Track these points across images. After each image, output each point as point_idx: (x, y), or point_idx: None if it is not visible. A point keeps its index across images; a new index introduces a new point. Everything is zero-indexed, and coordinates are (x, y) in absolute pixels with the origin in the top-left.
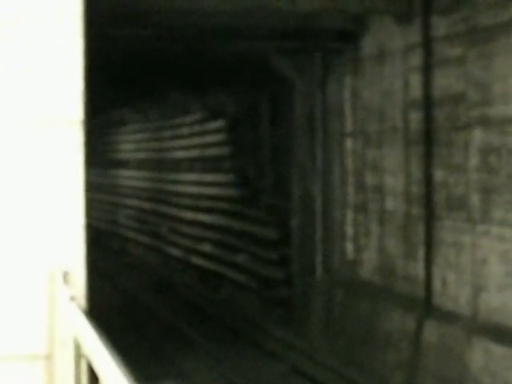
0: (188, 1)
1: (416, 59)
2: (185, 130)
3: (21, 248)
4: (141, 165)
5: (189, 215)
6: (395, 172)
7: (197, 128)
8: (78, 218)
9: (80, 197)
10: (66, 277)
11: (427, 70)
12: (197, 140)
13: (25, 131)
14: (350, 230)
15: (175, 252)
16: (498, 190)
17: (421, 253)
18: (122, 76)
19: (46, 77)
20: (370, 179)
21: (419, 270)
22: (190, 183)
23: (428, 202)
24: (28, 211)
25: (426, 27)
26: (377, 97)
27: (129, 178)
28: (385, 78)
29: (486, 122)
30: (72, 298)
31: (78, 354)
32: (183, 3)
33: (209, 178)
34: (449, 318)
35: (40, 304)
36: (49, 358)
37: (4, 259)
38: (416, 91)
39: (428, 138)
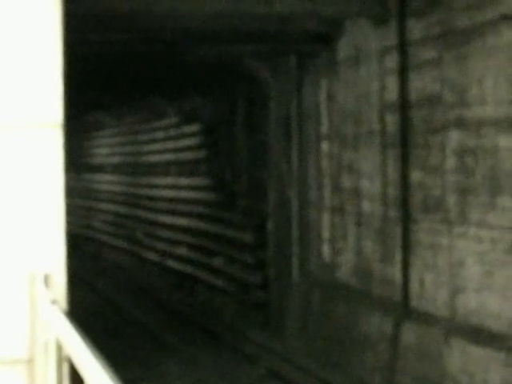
0: (163, 4)
1: (392, 62)
2: (160, 134)
3: (0, 251)
4: (116, 169)
5: (165, 219)
6: (371, 174)
7: (172, 132)
8: (58, 220)
9: (60, 200)
10: (46, 280)
11: (403, 72)
12: (172, 144)
13: (4, 134)
14: (326, 233)
15: (151, 256)
16: (475, 191)
17: (398, 255)
18: (96, 80)
19: (26, 80)
20: (346, 182)
21: (396, 271)
22: (165, 187)
23: (405, 203)
24: (8, 214)
25: (402, 30)
26: (353, 99)
27: (104, 182)
28: (361, 80)
29: (462, 124)
30: (53, 301)
31: (60, 358)
32: (158, 7)
33: (185, 181)
34: (426, 319)
35: (20, 307)
36: (30, 361)
37: None
38: (392, 93)
39: (404, 140)
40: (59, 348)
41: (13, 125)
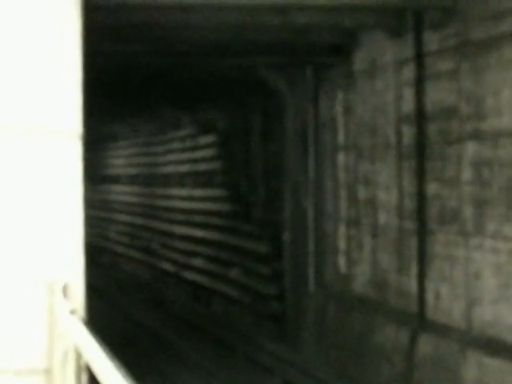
0: (179, 16)
1: (408, 73)
2: (176, 145)
3: (19, 261)
4: (132, 180)
5: (180, 230)
6: (388, 186)
7: (188, 143)
8: (77, 231)
9: (79, 210)
10: (65, 290)
11: (419, 84)
12: (188, 155)
13: (25, 145)
14: (342, 244)
15: (167, 267)
16: (491, 202)
17: (414, 266)
18: (113, 91)
19: (47, 92)
20: (362, 193)
21: (412, 283)
22: (181, 198)
23: (421, 215)
24: (27, 224)
25: (418, 41)
26: (369, 111)
27: (120, 193)
28: (377, 92)
29: (478, 136)
30: (72, 311)
31: (79, 367)
32: (175, 18)
33: (200, 192)
34: (442, 331)
35: (39, 317)
36: (48, 371)
37: (3, 272)
38: (408, 105)
39: (420, 151)
40: (78, 357)
41: (34, 135)
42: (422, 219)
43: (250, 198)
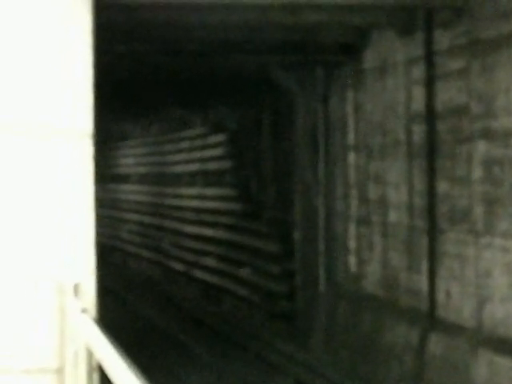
0: (190, 15)
1: (418, 72)
2: (186, 144)
3: (30, 261)
4: (142, 179)
5: (191, 229)
6: (398, 185)
7: (198, 142)
8: (88, 230)
9: (90, 210)
10: (76, 289)
11: (430, 82)
12: (198, 154)
13: (36, 144)
14: (353, 243)
15: (178, 266)
16: (502, 201)
17: (424, 265)
18: (122, 90)
19: (58, 91)
20: (372, 192)
21: (423, 282)
22: (191, 197)
23: (431, 214)
24: (38, 224)
25: (429, 40)
26: (379, 110)
27: (130, 192)
28: (387, 91)
29: (489, 135)
30: (83, 310)
31: (90, 366)
32: (185, 18)
33: (210, 191)
34: (453, 330)
35: (50, 316)
36: (59, 370)
37: (13, 272)
38: (419, 104)
39: (431, 150)
40: (89, 357)
41: (44, 135)
42: (432, 218)
43: (260, 197)
